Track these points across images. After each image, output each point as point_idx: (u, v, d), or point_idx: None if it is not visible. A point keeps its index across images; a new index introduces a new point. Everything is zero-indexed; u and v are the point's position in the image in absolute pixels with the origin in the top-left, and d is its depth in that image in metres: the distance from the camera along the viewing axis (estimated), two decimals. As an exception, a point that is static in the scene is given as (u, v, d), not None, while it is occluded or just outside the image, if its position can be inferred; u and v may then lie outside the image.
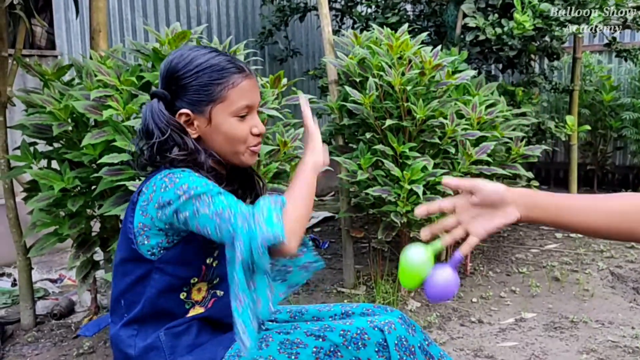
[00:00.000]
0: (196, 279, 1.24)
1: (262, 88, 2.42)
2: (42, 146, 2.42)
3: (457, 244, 1.04)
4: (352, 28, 4.83)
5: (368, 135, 2.81)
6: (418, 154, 2.75)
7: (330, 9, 4.62)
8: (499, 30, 3.43)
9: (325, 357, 1.19)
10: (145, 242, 1.19)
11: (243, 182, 1.36)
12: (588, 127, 4.57)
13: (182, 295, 1.24)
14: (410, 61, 2.78)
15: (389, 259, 3.36)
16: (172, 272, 1.21)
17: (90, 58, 2.48)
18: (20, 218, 2.66)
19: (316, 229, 4.60)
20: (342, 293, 3.11)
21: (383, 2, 4.54)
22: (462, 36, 3.76)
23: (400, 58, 2.80)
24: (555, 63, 5.12)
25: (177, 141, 1.20)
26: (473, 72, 3.09)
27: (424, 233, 1.03)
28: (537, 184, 3.53)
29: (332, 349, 1.20)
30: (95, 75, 2.24)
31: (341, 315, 1.36)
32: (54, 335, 2.66)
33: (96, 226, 2.49)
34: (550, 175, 6.30)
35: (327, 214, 4.88)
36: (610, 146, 5.92)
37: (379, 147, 2.73)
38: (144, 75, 2.25)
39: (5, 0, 2.36)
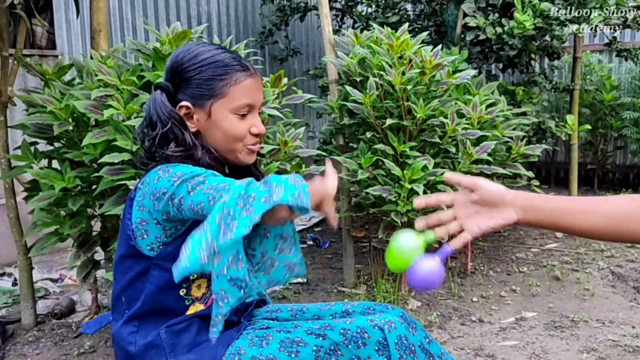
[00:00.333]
0: (195, 275, 1.24)
1: (262, 87, 2.43)
2: (42, 146, 2.42)
3: (452, 238, 1.05)
4: (353, 27, 4.83)
5: (368, 134, 2.81)
6: (418, 154, 2.75)
7: (331, 8, 4.62)
8: (499, 29, 3.43)
9: (325, 356, 1.19)
10: (145, 236, 1.20)
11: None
12: (588, 127, 4.57)
13: (182, 292, 1.24)
14: (410, 61, 2.78)
15: (389, 258, 3.35)
16: (171, 268, 1.21)
17: (91, 58, 2.48)
18: (21, 218, 2.66)
19: (317, 229, 4.60)
20: (342, 292, 3.12)
21: (383, 1, 4.54)
22: (462, 36, 3.76)
23: (400, 57, 2.80)
24: (556, 62, 5.12)
25: (176, 134, 1.21)
26: (473, 72, 3.09)
27: (419, 222, 1.03)
28: (537, 183, 3.53)
29: (332, 348, 1.20)
30: (96, 75, 2.25)
31: (342, 314, 1.36)
32: (55, 334, 2.66)
33: (97, 226, 2.49)
34: (551, 175, 6.30)
35: (327, 213, 4.88)
36: (610, 146, 5.92)
37: (380, 146, 2.74)
38: (145, 74, 2.25)
39: (5, 0, 2.36)
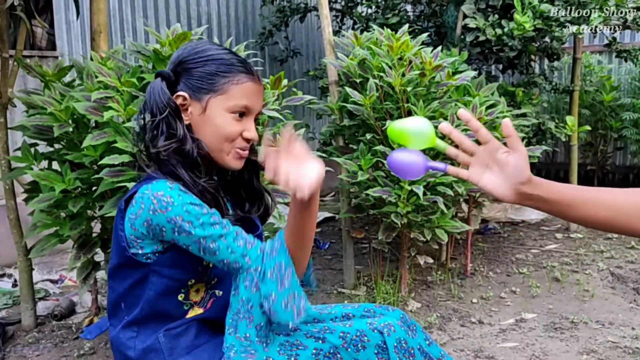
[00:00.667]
0: (193, 280, 1.24)
1: (263, 95, 2.43)
2: (42, 147, 2.42)
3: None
4: (353, 29, 4.83)
5: (368, 136, 2.81)
6: (418, 155, 2.75)
7: (331, 9, 4.62)
8: (499, 31, 3.43)
9: (324, 359, 1.19)
10: (140, 251, 1.20)
11: (251, 195, 1.36)
12: (588, 128, 4.57)
13: (180, 297, 1.24)
14: (410, 62, 2.79)
15: (389, 259, 3.36)
16: (169, 274, 1.21)
17: (91, 59, 2.48)
18: (21, 219, 2.66)
19: (317, 230, 4.60)
20: (342, 294, 3.12)
21: (383, 2, 4.54)
22: (462, 37, 3.76)
23: (400, 59, 2.80)
24: (556, 63, 5.12)
25: (169, 124, 1.20)
26: (473, 73, 3.09)
27: (444, 125, 1.00)
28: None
29: (331, 351, 1.20)
30: (96, 77, 2.25)
31: (342, 317, 1.36)
32: (55, 336, 2.66)
33: (97, 227, 2.49)
34: (551, 176, 6.30)
35: (327, 214, 4.88)
36: (610, 146, 5.92)
37: (380, 147, 2.74)
38: (145, 76, 2.25)
39: (6, 1, 2.37)
